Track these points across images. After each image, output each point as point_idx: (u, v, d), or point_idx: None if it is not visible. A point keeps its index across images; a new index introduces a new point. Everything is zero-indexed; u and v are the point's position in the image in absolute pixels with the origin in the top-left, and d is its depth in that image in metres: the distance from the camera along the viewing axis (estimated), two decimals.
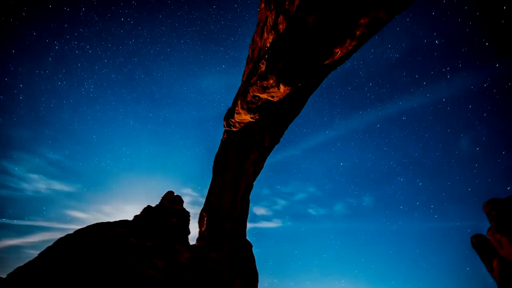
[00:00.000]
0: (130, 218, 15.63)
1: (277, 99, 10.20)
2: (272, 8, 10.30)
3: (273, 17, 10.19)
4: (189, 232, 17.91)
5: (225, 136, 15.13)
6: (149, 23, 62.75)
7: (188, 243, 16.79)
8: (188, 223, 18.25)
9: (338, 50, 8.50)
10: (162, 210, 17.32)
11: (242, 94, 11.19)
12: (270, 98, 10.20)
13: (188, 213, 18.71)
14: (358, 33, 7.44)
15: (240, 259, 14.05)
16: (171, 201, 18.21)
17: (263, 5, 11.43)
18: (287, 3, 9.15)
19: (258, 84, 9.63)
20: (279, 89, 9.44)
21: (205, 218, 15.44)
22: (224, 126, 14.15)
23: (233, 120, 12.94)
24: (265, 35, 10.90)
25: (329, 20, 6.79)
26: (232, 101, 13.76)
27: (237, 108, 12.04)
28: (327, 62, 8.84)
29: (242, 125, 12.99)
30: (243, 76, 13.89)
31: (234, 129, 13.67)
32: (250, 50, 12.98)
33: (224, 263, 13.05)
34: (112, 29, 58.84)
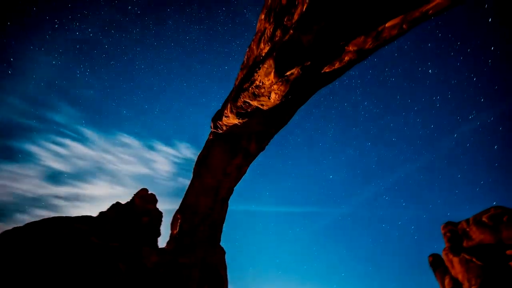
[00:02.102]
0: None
1: (267, 108, 10.44)
2: (271, 21, 10.71)
3: (271, 29, 10.58)
4: (159, 234, 16.90)
5: (211, 137, 14.93)
6: (156, 15, 60.63)
7: (157, 246, 15.81)
8: (160, 224, 17.26)
9: (327, 69, 9.08)
10: (133, 208, 16.21)
11: (233, 98, 11.25)
12: (260, 106, 10.40)
13: (161, 213, 17.72)
14: (346, 58, 8.06)
15: (211, 265, 13.58)
16: (144, 200, 17.17)
17: (263, 16, 11.84)
18: (286, 19, 9.61)
19: (250, 91, 9.80)
20: (269, 98, 9.70)
21: (179, 220, 14.76)
22: (211, 128, 13.99)
23: (220, 122, 12.87)
24: (262, 45, 11.23)
25: (323, 42, 7.27)
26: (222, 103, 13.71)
27: (226, 111, 12.03)
28: (317, 75, 9.36)
29: (229, 128, 12.96)
30: (236, 80, 14.01)
31: (221, 131, 13.57)
32: (246, 57, 13.21)
33: (195, 268, 12.50)
34: (117, 16, 55.69)
